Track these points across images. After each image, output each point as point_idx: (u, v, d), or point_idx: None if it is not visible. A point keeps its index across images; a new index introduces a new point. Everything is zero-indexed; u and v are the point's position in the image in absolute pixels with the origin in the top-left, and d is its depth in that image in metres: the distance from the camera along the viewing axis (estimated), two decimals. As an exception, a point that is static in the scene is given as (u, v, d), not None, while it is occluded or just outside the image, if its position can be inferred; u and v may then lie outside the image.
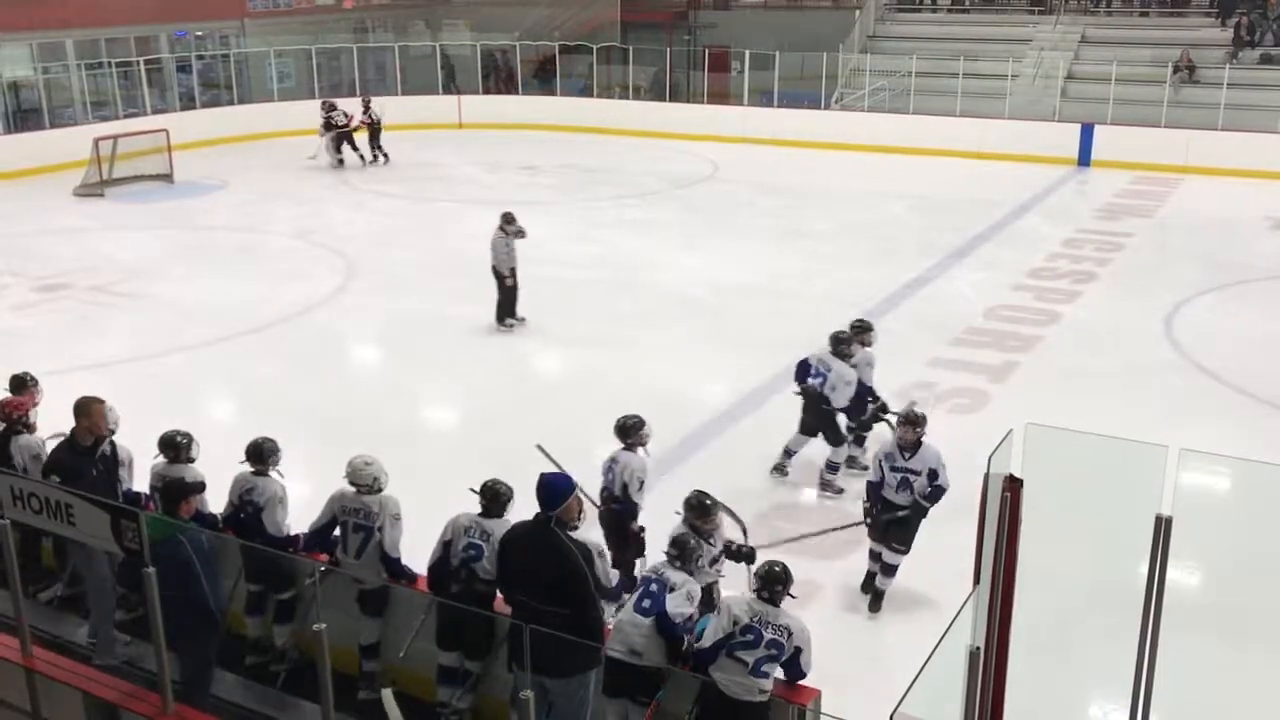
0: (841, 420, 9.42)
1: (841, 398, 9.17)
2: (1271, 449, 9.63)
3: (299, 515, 6.70)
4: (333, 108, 23.47)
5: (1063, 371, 12.01)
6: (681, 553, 5.73)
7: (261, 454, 6.64)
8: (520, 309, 13.45)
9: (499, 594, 5.90)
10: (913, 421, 7.72)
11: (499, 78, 30.72)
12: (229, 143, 25.75)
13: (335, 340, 13.54)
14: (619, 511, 7.43)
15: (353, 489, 6.38)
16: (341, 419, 10.57)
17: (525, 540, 5.62)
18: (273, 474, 6.63)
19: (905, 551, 7.68)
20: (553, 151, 25.94)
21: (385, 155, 23.82)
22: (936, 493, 7.61)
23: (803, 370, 9.40)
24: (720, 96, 28.98)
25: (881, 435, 9.22)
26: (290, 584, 6.53)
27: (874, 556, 7.84)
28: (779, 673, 5.39)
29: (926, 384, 11.58)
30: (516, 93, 30.10)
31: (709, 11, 34.53)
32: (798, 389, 9.41)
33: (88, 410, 6.69)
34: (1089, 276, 15.69)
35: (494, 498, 6.09)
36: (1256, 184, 21.64)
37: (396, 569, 6.30)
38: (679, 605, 5.50)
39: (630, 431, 7.51)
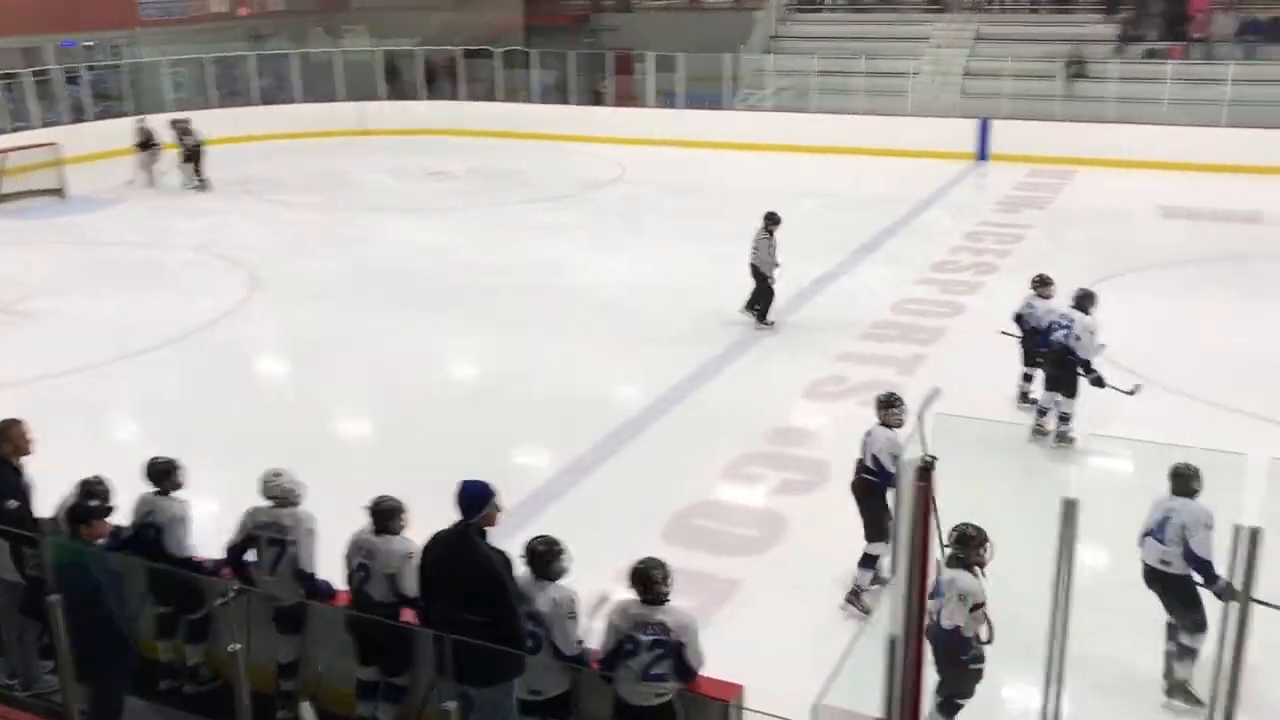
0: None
1: (1087, 349, 9.64)
2: (1169, 431, 9.96)
3: (211, 534, 6.54)
4: (185, 130, 22.28)
5: (969, 361, 12.26)
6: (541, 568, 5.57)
7: (161, 474, 6.44)
8: (459, 313, 13.15)
9: (414, 608, 5.81)
10: None
11: (431, 80, 30.15)
12: (125, 155, 25.08)
13: (243, 354, 13.26)
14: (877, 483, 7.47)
15: (267, 503, 6.25)
16: (253, 434, 10.36)
17: (445, 549, 5.57)
18: (174, 494, 6.44)
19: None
20: (460, 156, 25.77)
21: (203, 181, 22.10)
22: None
23: (1042, 334, 10.14)
24: (626, 99, 29.06)
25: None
26: (200, 604, 6.37)
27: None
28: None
29: (839, 378, 11.74)
30: (423, 97, 29.80)
31: (611, 14, 34.60)
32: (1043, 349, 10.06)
33: (7, 433, 6.42)
34: (990, 268, 16.05)
35: (381, 515, 5.96)
36: (1146, 174, 22.36)
37: (312, 585, 6.18)
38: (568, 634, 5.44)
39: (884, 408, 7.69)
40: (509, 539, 5.67)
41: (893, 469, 7.22)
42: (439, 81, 29.95)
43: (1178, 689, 6.42)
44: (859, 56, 26.45)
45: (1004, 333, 11.00)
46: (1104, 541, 7.26)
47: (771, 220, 13.43)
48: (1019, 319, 10.90)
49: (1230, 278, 15.73)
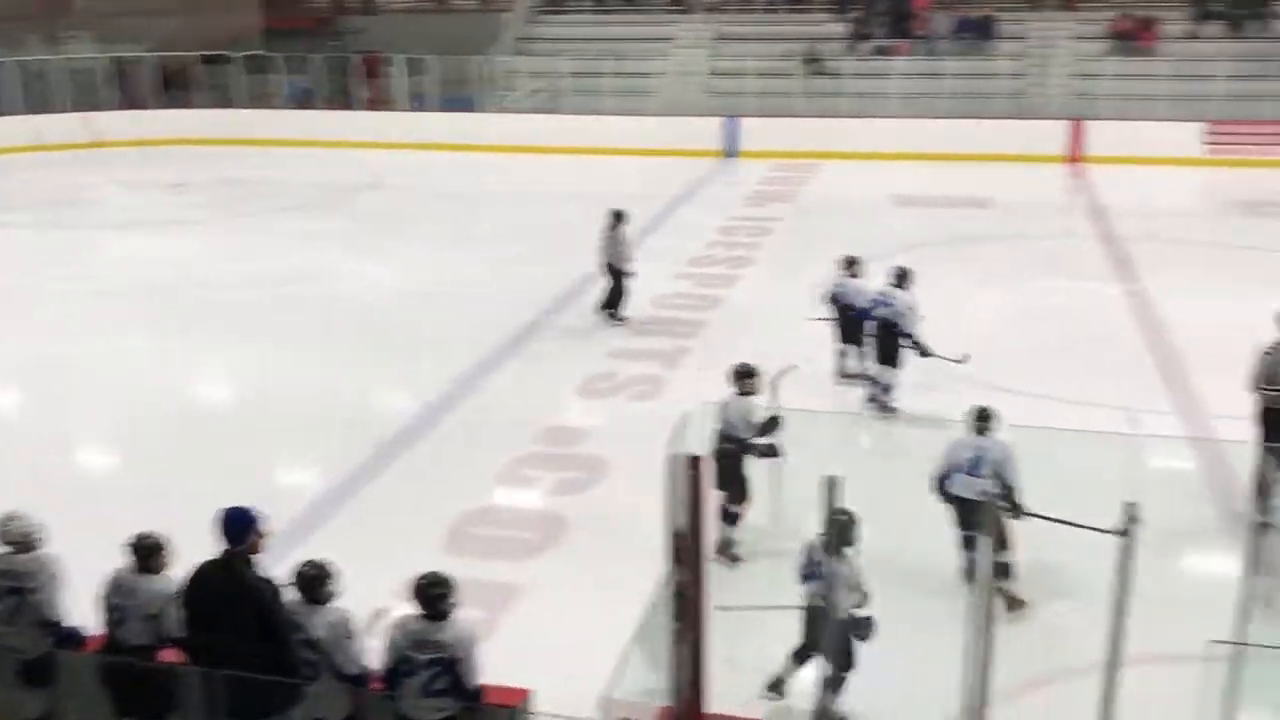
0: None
1: (911, 323, 10.30)
2: (914, 403, 10.61)
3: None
4: None
5: (729, 352, 12.62)
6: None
7: None
8: (213, 329, 12.48)
9: (178, 647, 5.48)
10: None
11: (167, 87, 28.36)
12: None
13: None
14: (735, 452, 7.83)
15: (4, 550, 5.75)
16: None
17: (209, 581, 5.29)
18: None
19: None
20: (203, 167, 24.52)
21: None
22: None
23: (863, 313, 10.72)
24: (377, 102, 28.43)
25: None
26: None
27: None
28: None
29: (610, 374, 11.88)
30: (158, 106, 28.18)
31: (355, 16, 33.74)
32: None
33: None
34: (744, 261, 16.62)
35: (143, 553, 5.58)
36: (881, 165, 23.70)
37: (59, 634, 5.74)
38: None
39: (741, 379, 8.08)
40: (279, 565, 5.44)
41: (746, 435, 7.88)
42: (175, 89, 28.41)
43: (1007, 599, 7.13)
44: (606, 57, 26.83)
45: (815, 319, 11.65)
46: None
47: (618, 217, 13.55)
48: (832, 299, 11.49)
49: (961, 260, 16.85)
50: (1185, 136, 23.57)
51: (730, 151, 25.41)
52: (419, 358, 12.61)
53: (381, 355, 12.83)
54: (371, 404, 11.49)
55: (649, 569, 5.46)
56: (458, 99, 27.43)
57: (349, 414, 10.99)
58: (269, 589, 5.22)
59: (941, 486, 7.47)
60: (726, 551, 7.98)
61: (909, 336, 10.41)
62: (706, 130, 25.47)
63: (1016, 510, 6.99)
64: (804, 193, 21.87)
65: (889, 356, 10.54)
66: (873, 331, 10.65)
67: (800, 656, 6.23)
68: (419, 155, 25.46)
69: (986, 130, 24.32)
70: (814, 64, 26.62)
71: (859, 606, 5.88)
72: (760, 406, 8.06)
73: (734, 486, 8.01)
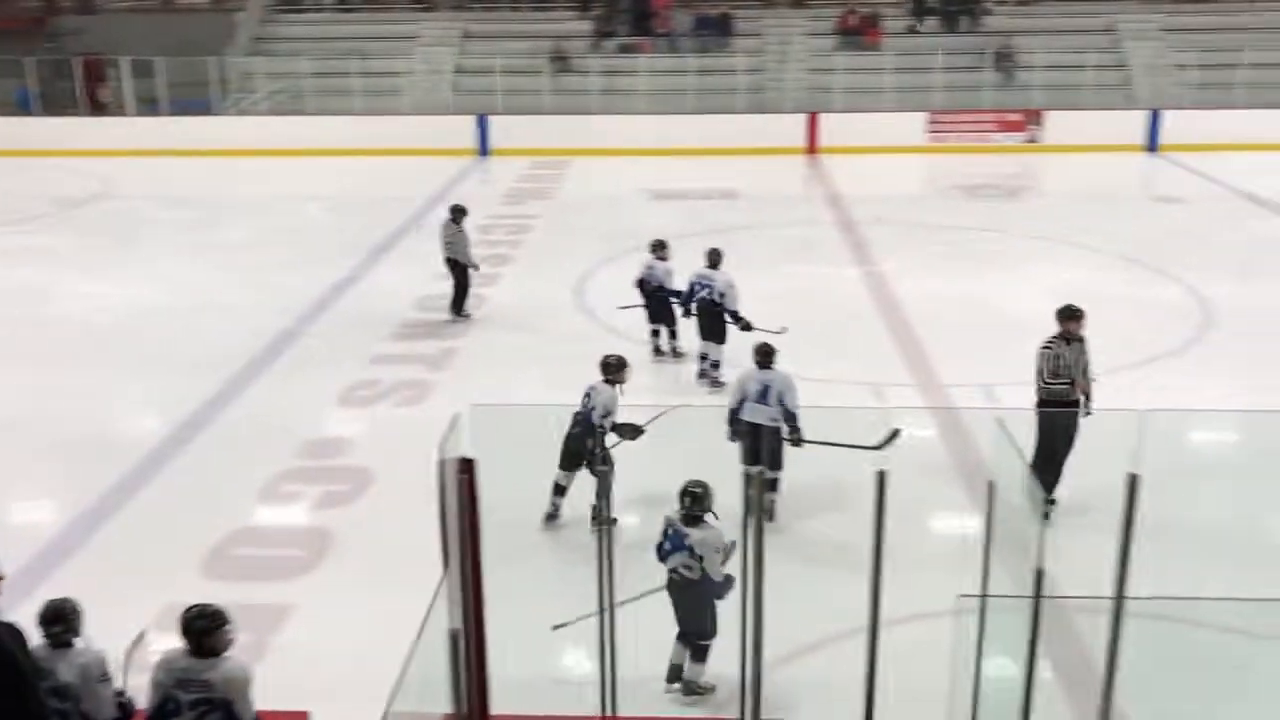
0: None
1: (732, 300, 10.97)
2: (682, 391, 10.89)
3: None
4: None
5: (494, 351, 12.61)
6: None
7: None
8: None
9: None
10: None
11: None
12: None
13: None
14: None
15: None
16: None
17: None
18: None
19: None
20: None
21: None
22: None
23: (688, 296, 11.28)
24: (103, 107, 26.68)
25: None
26: None
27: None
28: None
29: (372, 382, 11.60)
30: None
31: (72, 16, 31.49)
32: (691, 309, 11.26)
33: None
34: (504, 259, 16.59)
35: None
36: (632, 161, 24.13)
37: None
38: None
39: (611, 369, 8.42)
40: (17, 609, 5.04)
41: (605, 424, 8.21)
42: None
43: (768, 512, 8.04)
44: (351, 56, 26.17)
45: (623, 307, 12.19)
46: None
47: (458, 212, 13.59)
48: (641, 283, 12.00)
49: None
50: (910, 126, 25.18)
51: (483, 150, 25.29)
52: (165, 376, 11.92)
53: (123, 376, 12.06)
54: (115, 428, 10.79)
55: (424, 577, 5.37)
56: (192, 102, 26.10)
57: (90, 440, 10.29)
58: (10, 633, 4.83)
59: (734, 418, 8.46)
60: (599, 518, 8.09)
61: (733, 314, 10.98)
62: (456, 129, 25.24)
63: (797, 434, 8.27)
64: (560, 189, 22.03)
65: (715, 333, 11.12)
66: (694, 312, 11.28)
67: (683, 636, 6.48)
68: (152, 162, 24.05)
69: (730, 125, 25.20)
70: (560, 62, 26.84)
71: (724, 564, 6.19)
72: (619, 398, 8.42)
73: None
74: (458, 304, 13.63)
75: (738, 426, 8.49)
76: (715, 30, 27.96)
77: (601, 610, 5.42)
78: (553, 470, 8.42)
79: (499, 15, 29.87)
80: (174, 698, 4.82)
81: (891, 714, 5.61)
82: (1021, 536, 5.03)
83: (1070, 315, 8.56)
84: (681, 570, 6.24)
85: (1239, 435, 10.09)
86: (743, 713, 5.68)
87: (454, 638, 4.90)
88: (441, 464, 5.01)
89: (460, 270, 13.56)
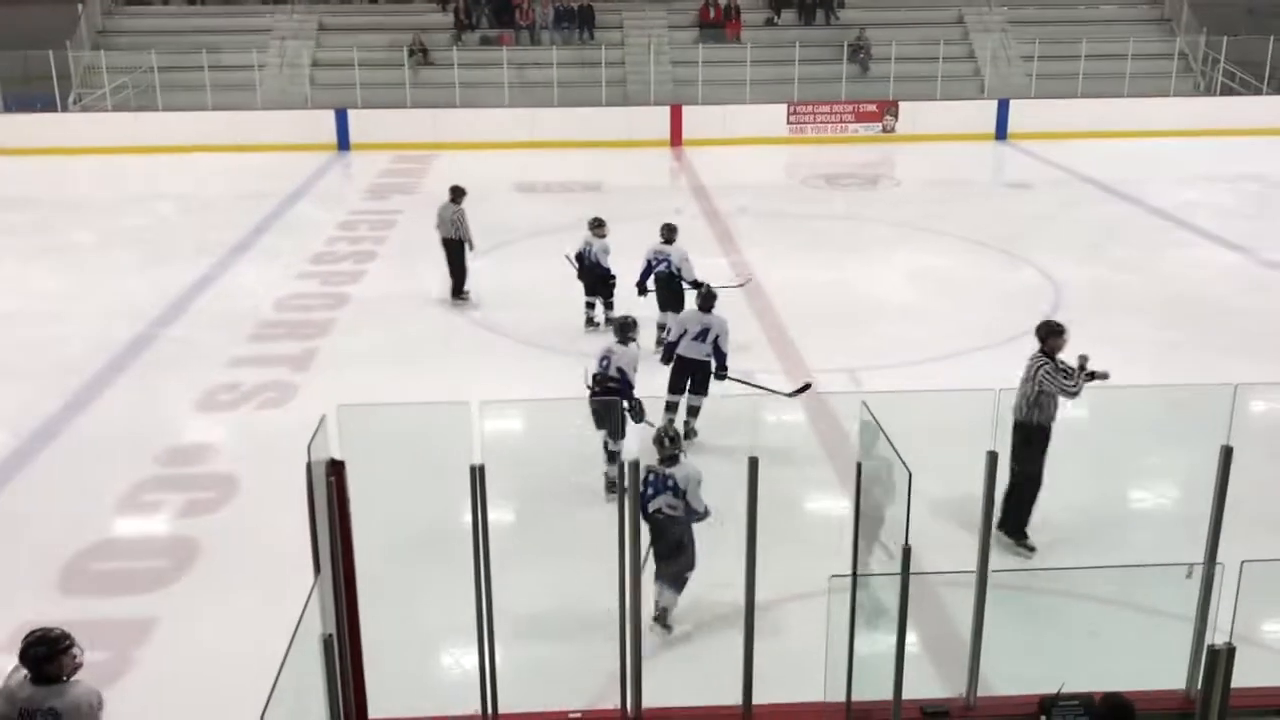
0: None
1: (689, 271, 11.68)
2: (555, 384, 10.86)
3: None
4: None
5: (362, 350, 12.37)
6: None
7: None
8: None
9: None
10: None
11: None
12: None
13: None
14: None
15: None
16: None
17: None
18: None
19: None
20: None
21: None
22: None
23: (646, 272, 11.77)
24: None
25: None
26: None
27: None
28: None
29: (233, 385, 11.26)
30: None
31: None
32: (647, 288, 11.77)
33: None
34: (369, 255, 16.30)
35: None
36: (497, 154, 23.98)
37: None
38: None
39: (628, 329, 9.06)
40: None
41: (633, 379, 8.98)
42: None
43: (692, 433, 9.57)
44: (200, 51, 25.33)
45: (567, 256, 12.78)
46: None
47: (459, 192, 13.81)
48: (579, 257, 12.61)
49: (582, 242, 17.35)
50: (771, 118, 25.61)
51: (343, 145, 24.79)
52: (9, 385, 11.36)
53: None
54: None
55: (295, 582, 5.25)
56: (28, 98, 24.90)
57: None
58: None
59: (670, 351, 9.63)
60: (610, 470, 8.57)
61: (693, 282, 11.44)
62: (314, 123, 24.70)
63: (723, 371, 9.53)
64: (424, 184, 21.72)
65: (673, 304, 11.66)
66: (650, 288, 11.84)
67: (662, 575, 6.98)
68: (-12, 162, 22.91)
69: (594, 117, 25.23)
70: (420, 55, 26.46)
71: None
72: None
73: (618, 426, 9.10)
74: (458, 287, 13.82)
75: (671, 357, 9.60)
76: (577, 23, 27.95)
77: (627, 577, 5.36)
78: (424, 470, 8.31)
79: (355, 8, 29.31)
80: None
81: (770, 692, 5.73)
82: (888, 515, 5.19)
83: (1053, 331, 7.85)
84: (665, 510, 6.78)
85: (1091, 412, 10.56)
86: (624, 700, 5.71)
87: (327, 643, 4.81)
88: (310, 467, 4.90)
89: (458, 251, 13.71)
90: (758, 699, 5.72)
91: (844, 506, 7.74)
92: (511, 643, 6.16)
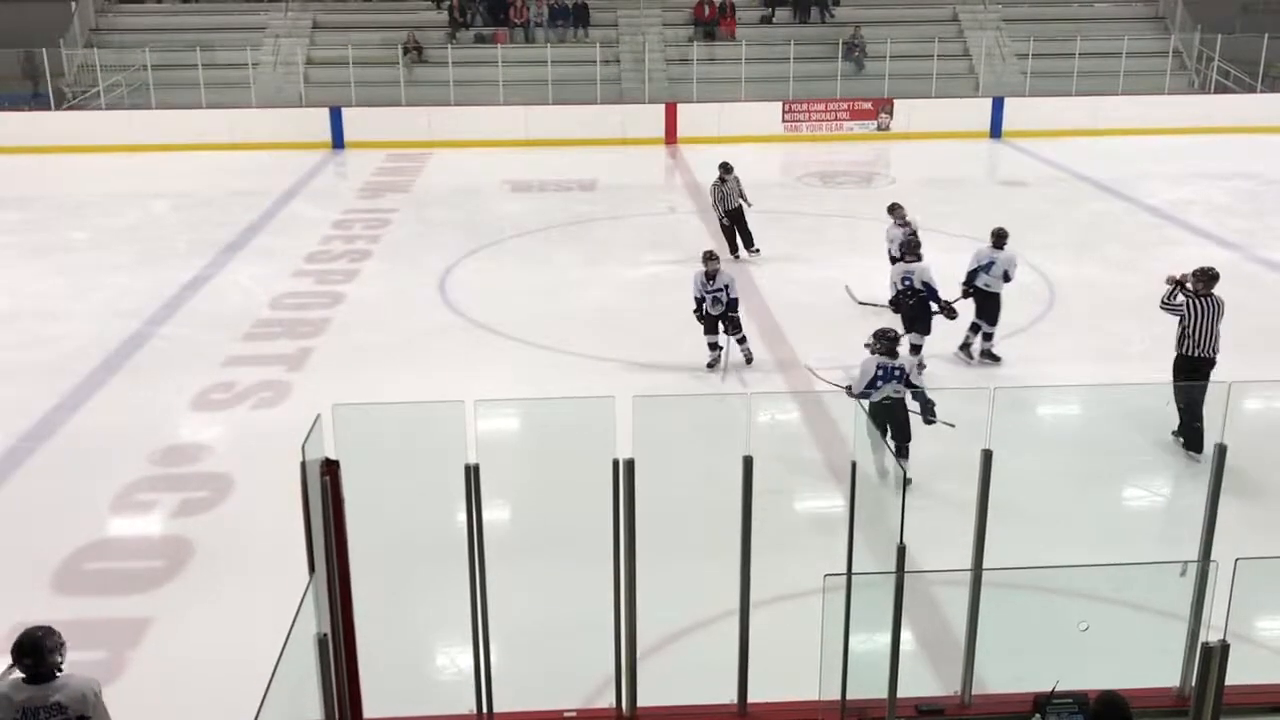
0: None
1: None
2: (549, 382, 10.86)
3: None
4: None
5: (357, 349, 12.36)
6: None
7: None
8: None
9: None
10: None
11: None
12: None
13: None
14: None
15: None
16: None
17: None
18: None
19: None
20: None
21: None
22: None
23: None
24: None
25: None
26: None
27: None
28: None
29: (227, 384, 11.24)
30: None
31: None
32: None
33: None
34: (364, 254, 16.27)
35: None
36: (491, 152, 23.96)
37: None
38: None
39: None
40: None
41: (937, 287, 10.81)
42: None
43: (987, 354, 11.23)
44: (194, 49, 25.29)
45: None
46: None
47: (727, 168, 15.28)
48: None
49: (576, 240, 17.40)
50: (767, 116, 25.61)
51: (337, 143, 24.76)
52: (3, 385, 11.34)
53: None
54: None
55: (290, 582, 5.24)
56: (23, 96, 24.84)
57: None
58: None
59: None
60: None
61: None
62: (308, 122, 24.66)
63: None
64: (418, 182, 21.71)
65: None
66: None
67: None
68: (-20, 160, 22.86)
69: (589, 115, 25.21)
70: (415, 53, 26.43)
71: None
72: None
73: (920, 322, 10.91)
74: (748, 241, 15.53)
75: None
76: (571, 20, 27.93)
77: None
78: (419, 469, 8.31)
79: (350, 6, 29.27)
80: None
81: (765, 691, 5.73)
82: (883, 514, 5.19)
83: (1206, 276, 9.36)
84: (891, 395, 8.25)
85: (1085, 410, 10.57)
86: (619, 699, 5.72)
87: (322, 642, 4.81)
88: (304, 466, 4.90)
89: (738, 217, 15.41)
90: (753, 697, 5.73)
91: (839, 505, 7.75)
92: (506, 642, 6.16)
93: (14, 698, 4.60)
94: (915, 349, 11.00)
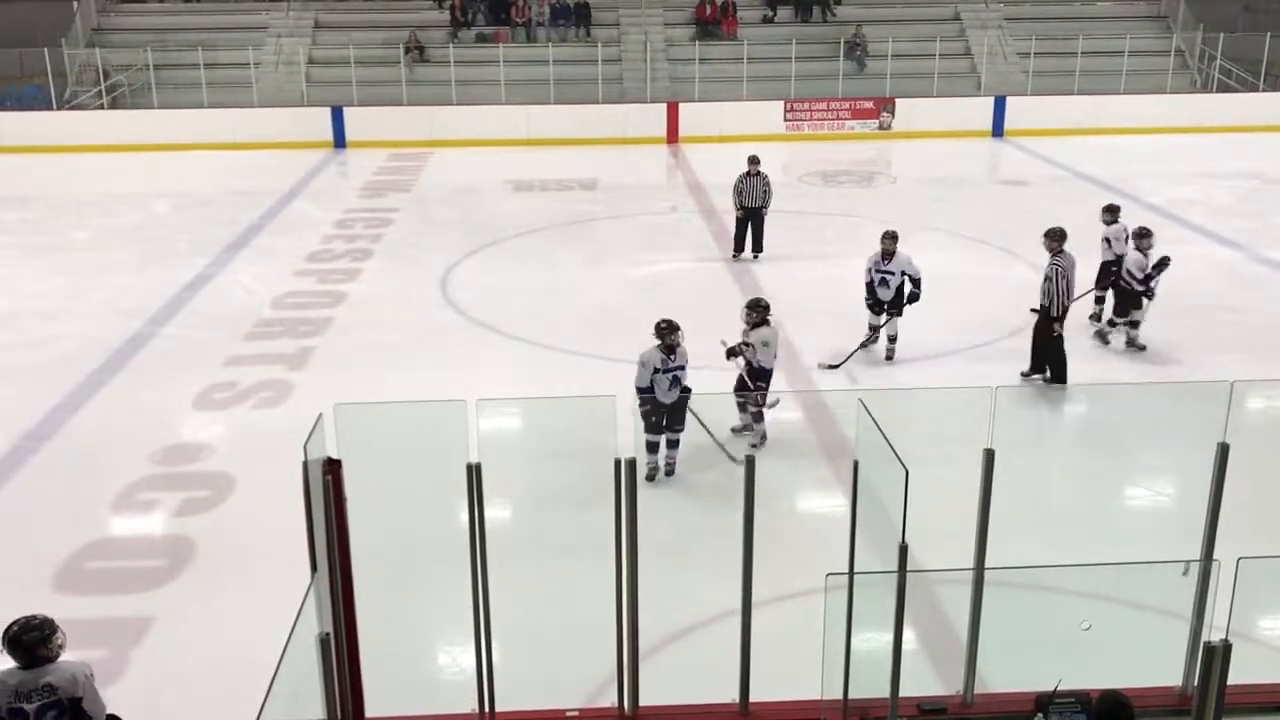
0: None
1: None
2: (550, 382, 10.85)
3: None
4: None
5: (358, 348, 12.35)
6: None
7: None
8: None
9: None
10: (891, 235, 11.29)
11: None
12: None
13: None
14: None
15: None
16: None
17: None
18: None
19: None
20: None
21: None
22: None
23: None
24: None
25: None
26: None
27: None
28: None
29: (229, 384, 11.24)
30: None
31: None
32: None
33: None
34: (365, 254, 16.27)
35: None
36: (492, 152, 23.96)
37: None
38: None
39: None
40: None
41: (1141, 275, 11.25)
42: None
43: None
44: (196, 48, 25.30)
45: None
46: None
47: (755, 161, 15.52)
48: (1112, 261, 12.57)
49: (577, 240, 17.39)
50: (768, 115, 25.59)
51: (339, 143, 24.76)
52: (6, 384, 11.33)
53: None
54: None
55: (292, 581, 5.24)
56: (23, 95, 24.85)
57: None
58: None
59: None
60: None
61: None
62: (310, 121, 24.67)
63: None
64: (419, 182, 21.72)
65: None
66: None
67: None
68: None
69: (590, 115, 25.21)
70: (416, 52, 26.44)
71: None
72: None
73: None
74: (757, 243, 15.45)
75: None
76: (573, 20, 27.92)
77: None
78: (421, 469, 8.32)
79: (351, 6, 29.28)
80: (19, 710, 4.72)
81: (767, 690, 5.73)
82: (885, 513, 5.18)
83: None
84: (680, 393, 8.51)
85: (1089, 409, 10.57)
86: (621, 699, 5.71)
87: (324, 642, 4.80)
88: (306, 466, 4.90)
89: (758, 216, 15.39)
90: (755, 696, 5.73)
91: (841, 504, 7.74)
92: (508, 641, 6.16)
93: (7, 682, 4.76)
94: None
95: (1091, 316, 12.59)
